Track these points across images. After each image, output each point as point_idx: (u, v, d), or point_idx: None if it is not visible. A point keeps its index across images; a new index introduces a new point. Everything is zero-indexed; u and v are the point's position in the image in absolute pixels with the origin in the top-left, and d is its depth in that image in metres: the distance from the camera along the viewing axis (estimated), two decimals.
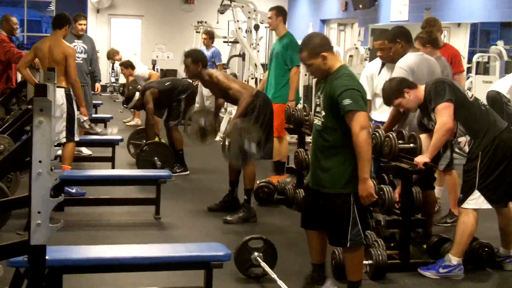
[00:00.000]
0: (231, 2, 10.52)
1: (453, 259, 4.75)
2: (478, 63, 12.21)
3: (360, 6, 14.00)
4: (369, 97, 5.91)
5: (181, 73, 17.27)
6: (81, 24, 8.78)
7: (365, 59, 11.78)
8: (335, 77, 3.95)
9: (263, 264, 4.50)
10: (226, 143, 5.74)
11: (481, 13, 10.99)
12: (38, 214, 2.71)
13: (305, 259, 4.49)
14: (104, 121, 9.93)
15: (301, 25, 17.80)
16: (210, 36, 11.64)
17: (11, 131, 5.86)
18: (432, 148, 4.69)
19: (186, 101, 8.21)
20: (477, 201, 4.69)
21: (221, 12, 11.43)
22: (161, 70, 16.98)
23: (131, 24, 19.31)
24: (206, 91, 10.42)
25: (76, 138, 6.77)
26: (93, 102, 10.34)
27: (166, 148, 8.03)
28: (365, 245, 4.47)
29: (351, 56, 13.34)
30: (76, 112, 6.70)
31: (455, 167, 6.21)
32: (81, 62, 8.58)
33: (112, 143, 8.06)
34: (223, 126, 9.31)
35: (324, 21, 17.41)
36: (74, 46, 7.87)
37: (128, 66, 11.23)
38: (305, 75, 10.79)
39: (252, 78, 10.17)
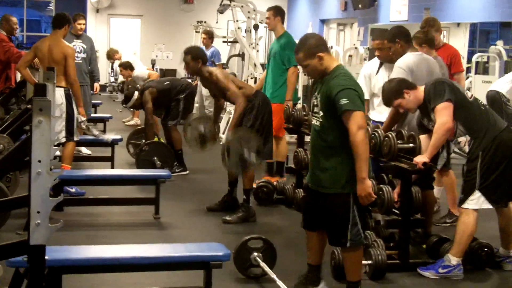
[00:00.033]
0: (230, 2, 10.51)
1: (453, 259, 4.75)
2: (477, 63, 12.21)
3: (360, 6, 14.00)
4: (367, 96, 5.92)
5: (181, 73, 17.28)
6: (80, 24, 8.78)
7: (365, 59, 11.79)
8: (332, 77, 3.96)
9: (262, 264, 4.50)
10: (226, 151, 5.75)
11: (481, 13, 10.99)
12: (37, 214, 2.71)
13: (304, 259, 4.49)
14: (103, 120, 9.93)
15: (301, 25, 17.81)
16: (209, 36, 11.64)
17: (11, 131, 5.86)
18: (431, 148, 4.69)
19: (185, 101, 8.20)
20: (477, 201, 4.69)
21: (221, 12, 11.42)
22: (161, 69, 16.98)
23: (131, 24, 19.30)
24: (205, 91, 10.41)
25: (76, 138, 6.76)
26: (93, 102, 10.35)
27: (165, 148, 8.03)
28: (365, 245, 4.47)
29: (350, 56, 13.35)
30: (75, 112, 6.69)
31: (454, 167, 6.22)
32: (80, 61, 8.58)
33: (111, 143, 8.05)
34: (222, 126, 9.31)
35: (323, 21, 17.42)
36: (73, 45, 7.87)
37: (127, 67, 11.22)
38: (305, 74, 10.78)
39: (251, 78, 10.16)
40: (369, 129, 5.19)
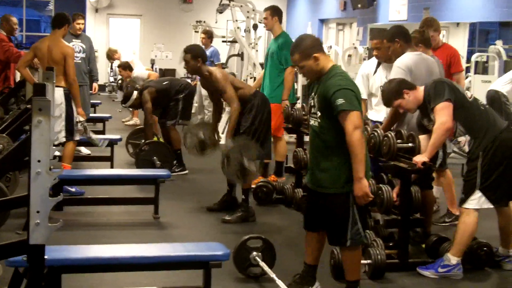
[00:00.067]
0: (229, 2, 10.51)
1: (452, 258, 4.75)
2: (477, 62, 12.21)
3: (359, 5, 14.00)
4: (364, 96, 5.92)
5: (180, 73, 17.27)
6: (79, 24, 8.78)
7: (364, 59, 11.77)
8: (328, 77, 3.96)
9: (262, 263, 4.50)
10: (225, 160, 5.77)
11: (480, 12, 10.99)
12: (37, 213, 2.71)
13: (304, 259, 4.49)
14: (102, 120, 9.92)
15: (300, 25, 17.81)
16: (208, 36, 11.63)
17: (10, 131, 5.86)
18: (431, 147, 4.69)
19: (184, 101, 8.20)
20: (478, 201, 4.69)
21: (220, 11, 11.42)
22: (160, 69, 16.98)
23: (130, 23, 19.30)
24: (204, 91, 10.41)
25: (76, 138, 6.77)
26: (92, 101, 10.34)
27: (165, 148, 8.03)
28: (364, 244, 4.48)
29: (349, 55, 13.34)
30: (75, 112, 6.69)
31: (454, 166, 6.22)
32: (80, 61, 8.57)
33: (111, 143, 8.05)
34: (222, 126, 9.31)
35: (322, 21, 17.42)
36: (73, 45, 7.87)
37: (126, 68, 11.22)
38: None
39: (250, 78, 10.17)
40: (369, 129, 5.20)
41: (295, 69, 7.30)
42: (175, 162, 8.05)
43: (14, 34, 8.60)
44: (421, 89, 4.84)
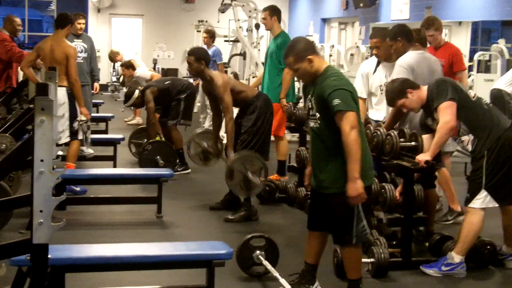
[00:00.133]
0: (231, 1, 10.51)
1: (456, 257, 4.75)
2: (479, 61, 12.19)
3: (361, 4, 14.00)
4: (365, 96, 5.92)
5: (182, 72, 17.29)
6: (79, 23, 8.78)
7: (366, 58, 11.76)
8: (324, 78, 3.97)
9: (265, 262, 4.50)
10: (229, 173, 5.82)
11: (482, 11, 10.98)
12: (40, 213, 2.71)
13: None
14: (105, 120, 9.94)
15: (302, 24, 17.81)
16: (210, 35, 11.63)
17: (13, 130, 5.86)
18: (434, 146, 4.69)
19: (185, 101, 8.21)
20: (483, 200, 4.69)
21: (222, 11, 11.42)
22: (162, 69, 16.99)
23: (132, 23, 19.31)
24: None
25: (80, 137, 6.78)
26: (95, 101, 10.35)
27: (168, 147, 8.04)
28: (370, 241, 4.48)
29: (352, 54, 13.33)
30: (78, 112, 6.70)
31: (456, 165, 6.21)
32: (82, 61, 8.57)
33: (113, 142, 8.07)
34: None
35: (324, 20, 17.41)
36: (74, 45, 7.87)
37: (129, 66, 11.22)
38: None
39: (253, 77, 10.17)
40: (371, 128, 5.20)
41: None
42: (177, 161, 8.05)
43: (17, 35, 8.61)
44: (424, 89, 4.83)
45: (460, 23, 12.68)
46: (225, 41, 13.77)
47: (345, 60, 13.20)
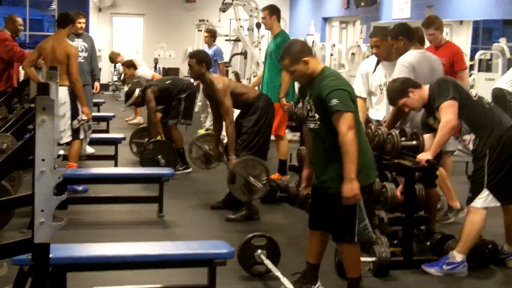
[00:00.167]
0: (232, 1, 10.49)
1: (457, 256, 4.75)
2: (480, 60, 12.18)
3: (362, 3, 13.99)
4: (365, 95, 5.91)
5: (183, 72, 17.29)
6: (80, 23, 8.77)
7: (367, 57, 11.75)
8: (321, 79, 3.98)
9: (266, 261, 4.50)
10: (231, 177, 5.84)
11: (483, 10, 10.97)
12: (41, 212, 2.72)
13: None
14: (106, 119, 9.94)
15: (303, 23, 17.80)
16: (211, 34, 11.63)
17: (14, 130, 5.87)
18: (435, 145, 4.69)
19: (186, 101, 8.21)
20: (485, 199, 4.69)
21: (223, 10, 11.41)
22: (163, 68, 16.99)
23: (133, 22, 19.31)
24: None
25: (81, 136, 6.78)
26: (96, 100, 10.35)
27: (169, 146, 8.04)
28: (372, 240, 4.47)
29: (353, 54, 13.33)
30: (80, 111, 6.71)
31: (457, 164, 6.21)
32: (83, 61, 8.56)
33: (114, 142, 8.07)
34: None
35: (325, 19, 17.40)
36: (75, 44, 7.87)
37: (130, 66, 11.23)
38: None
39: (254, 76, 10.15)
40: (372, 127, 5.19)
41: None
42: (178, 160, 8.06)
43: (19, 35, 8.61)
44: (426, 88, 4.83)
45: (461, 22, 12.68)
46: (226, 40, 13.77)
47: (346, 59, 13.19)
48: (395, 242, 5.05)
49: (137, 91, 8.48)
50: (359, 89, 5.91)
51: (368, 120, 5.52)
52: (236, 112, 6.59)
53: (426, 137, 4.89)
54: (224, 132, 6.71)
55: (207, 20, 14.17)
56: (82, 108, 6.71)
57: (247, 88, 6.87)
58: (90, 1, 18.66)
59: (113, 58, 12.50)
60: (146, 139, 8.41)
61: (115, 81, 16.65)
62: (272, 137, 6.80)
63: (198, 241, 4.41)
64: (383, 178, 5.11)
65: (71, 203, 6.06)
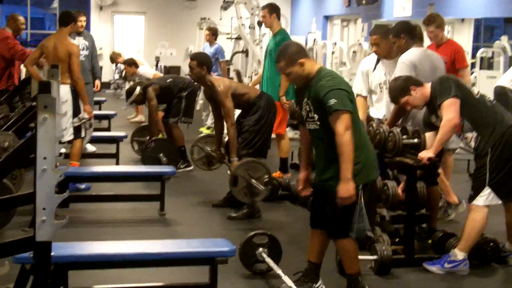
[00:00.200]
0: None
1: (459, 254, 4.75)
2: (482, 58, 12.17)
3: (363, 2, 13.98)
4: (365, 93, 5.91)
5: (184, 70, 17.28)
6: (80, 21, 8.77)
7: (369, 55, 11.75)
8: (318, 80, 3.98)
9: (268, 259, 4.50)
10: (233, 179, 5.86)
11: (485, 8, 10.96)
12: (43, 210, 2.72)
13: None
14: (108, 118, 9.94)
15: (304, 22, 17.79)
16: (213, 33, 11.63)
17: (16, 128, 5.87)
18: (437, 143, 4.69)
19: (187, 99, 8.21)
20: (487, 197, 4.68)
21: (224, 8, 11.43)
22: (165, 67, 16.99)
23: (134, 21, 19.30)
24: None
25: (83, 135, 6.78)
26: (97, 99, 10.35)
27: (171, 145, 8.04)
28: (371, 239, 4.47)
29: (354, 52, 13.31)
30: (82, 109, 6.71)
31: (459, 162, 6.20)
32: (84, 59, 8.56)
33: (116, 140, 8.07)
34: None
35: (327, 17, 17.39)
36: (76, 43, 7.86)
37: (131, 64, 11.22)
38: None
39: (255, 74, 10.15)
40: (374, 125, 5.19)
41: None
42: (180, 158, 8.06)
43: (20, 34, 8.60)
44: (427, 86, 4.82)
45: (462, 20, 12.67)
46: (228, 38, 13.76)
47: (347, 58, 13.17)
48: (397, 240, 5.05)
49: (138, 89, 8.49)
50: (359, 88, 5.91)
51: (369, 118, 5.52)
52: (237, 111, 6.59)
53: (428, 135, 4.88)
54: (225, 132, 6.72)
55: (209, 18, 14.16)
56: (84, 106, 6.71)
57: (248, 88, 6.87)
58: None
59: (114, 58, 12.50)
60: (148, 137, 8.41)
61: (117, 79, 16.65)
62: (273, 136, 6.80)
63: (199, 239, 4.42)
64: (384, 176, 5.11)
65: (73, 201, 6.07)
